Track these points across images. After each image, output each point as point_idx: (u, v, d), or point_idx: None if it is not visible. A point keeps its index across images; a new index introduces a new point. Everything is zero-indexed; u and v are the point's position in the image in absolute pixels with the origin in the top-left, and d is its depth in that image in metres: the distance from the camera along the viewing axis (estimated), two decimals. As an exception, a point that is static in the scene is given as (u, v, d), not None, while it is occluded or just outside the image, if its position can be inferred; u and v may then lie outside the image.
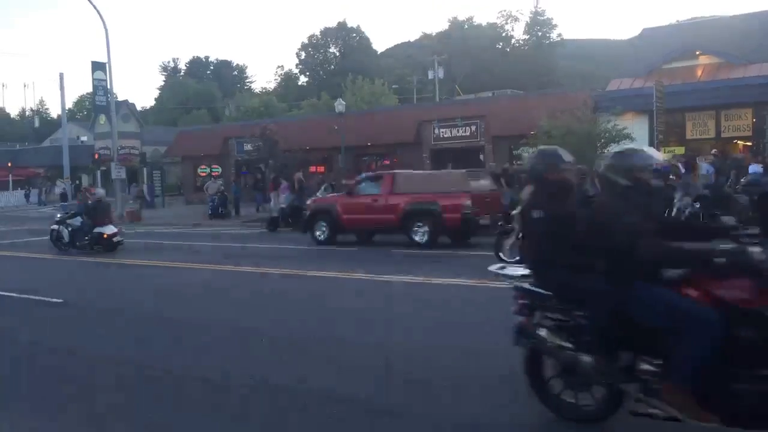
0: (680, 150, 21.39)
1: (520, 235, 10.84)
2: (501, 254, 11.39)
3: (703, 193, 14.98)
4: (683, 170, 17.25)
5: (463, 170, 17.33)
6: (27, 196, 49.04)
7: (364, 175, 18.42)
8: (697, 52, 22.94)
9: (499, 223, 12.82)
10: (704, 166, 17.45)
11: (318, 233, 16.36)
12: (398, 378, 5.44)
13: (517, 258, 10.98)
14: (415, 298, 9.05)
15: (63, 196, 34.30)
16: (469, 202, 14.23)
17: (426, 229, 14.62)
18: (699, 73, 22.54)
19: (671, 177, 16.34)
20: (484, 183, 16.40)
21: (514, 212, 12.35)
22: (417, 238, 14.72)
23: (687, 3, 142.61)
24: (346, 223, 15.98)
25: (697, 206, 14.58)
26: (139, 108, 73.99)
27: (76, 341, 7.31)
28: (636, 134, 19.28)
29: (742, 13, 26.98)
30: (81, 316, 8.76)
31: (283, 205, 21.58)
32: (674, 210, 14.46)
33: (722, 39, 22.97)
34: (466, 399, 4.89)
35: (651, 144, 19.97)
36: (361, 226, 15.97)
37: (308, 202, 18.02)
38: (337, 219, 15.98)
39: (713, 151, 19.30)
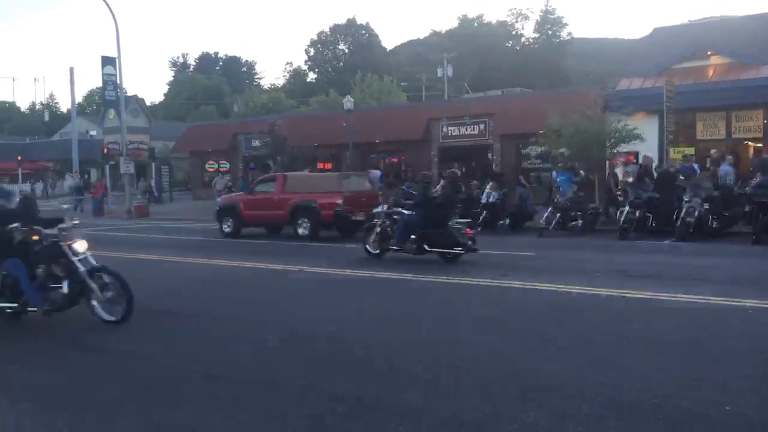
0: (690, 150, 21.24)
1: (378, 229, 12.22)
2: (367, 246, 12.84)
3: (713, 193, 14.90)
4: (698, 171, 17.14)
5: (339, 173, 20.82)
6: (32, 190, 49.19)
7: (260, 177, 20.98)
8: (709, 52, 22.73)
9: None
10: (723, 168, 17.33)
11: (225, 227, 18.38)
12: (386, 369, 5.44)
13: (378, 251, 12.44)
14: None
15: (78, 190, 34.57)
16: (341, 201, 16.45)
17: (308, 224, 16.81)
18: (710, 73, 22.36)
19: (680, 177, 16.24)
20: (361, 183, 18.81)
21: (376, 210, 13.45)
22: (301, 232, 16.95)
23: (698, 3, 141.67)
24: (247, 218, 18.11)
25: (707, 206, 14.51)
26: (148, 103, 74.15)
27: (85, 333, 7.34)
28: (646, 134, 19.16)
29: (754, 14, 26.79)
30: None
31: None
32: (683, 210, 14.39)
33: (734, 39, 22.76)
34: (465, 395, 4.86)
35: (660, 144, 19.87)
36: (259, 221, 18.28)
37: (220, 200, 20.28)
38: (240, 215, 18.11)
39: (713, 151, 19.16)
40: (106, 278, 7.39)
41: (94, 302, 7.41)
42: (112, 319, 7.37)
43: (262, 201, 17.88)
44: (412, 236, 11.86)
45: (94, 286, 7.32)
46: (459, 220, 11.96)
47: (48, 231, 7.49)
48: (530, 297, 8.63)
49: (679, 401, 4.58)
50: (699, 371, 5.29)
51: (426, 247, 11.75)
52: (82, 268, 7.29)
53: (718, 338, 6.25)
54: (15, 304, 7.49)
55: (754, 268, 10.67)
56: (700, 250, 12.86)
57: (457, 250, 11.49)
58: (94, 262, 7.50)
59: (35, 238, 7.42)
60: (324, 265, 11.88)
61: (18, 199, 8.18)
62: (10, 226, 7.39)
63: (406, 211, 12.18)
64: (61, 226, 7.47)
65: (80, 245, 7.41)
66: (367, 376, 5.44)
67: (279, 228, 18.40)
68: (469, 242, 11.62)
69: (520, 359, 5.75)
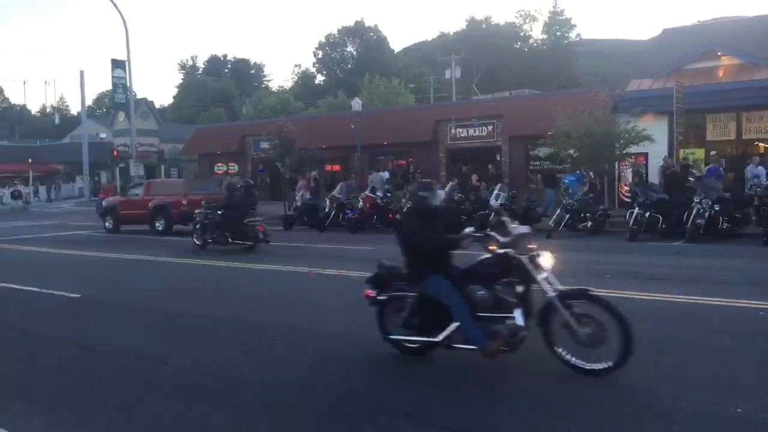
0: (700, 152, 21.13)
1: (198, 225, 15.76)
2: (194, 239, 15.86)
3: (723, 195, 14.80)
4: (722, 172, 17.01)
5: (185, 178, 26.63)
6: (36, 192, 49.48)
7: (134, 182, 25.39)
8: (719, 53, 22.60)
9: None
10: (750, 169, 17.20)
11: (107, 224, 22.05)
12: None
13: (201, 242, 15.51)
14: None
15: (95, 192, 35.04)
16: (185, 202, 19.49)
17: (162, 221, 20.25)
18: (720, 74, 22.22)
19: (690, 179, 16.14)
20: (209, 187, 21.74)
21: (197, 210, 16.10)
22: (158, 227, 20.30)
23: (708, 3, 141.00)
24: (123, 216, 21.69)
25: (717, 208, 14.42)
26: (157, 106, 74.53)
27: (92, 335, 7.37)
28: (655, 135, 19.08)
29: (765, 14, 26.57)
30: (97, 310, 8.85)
31: (299, 203, 21.65)
32: (694, 211, 14.30)
33: (744, 40, 22.62)
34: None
35: (670, 145, 19.77)
36: (131, 219, 21.48)
37: (104, 201, 23.25)
38: (119, 214, 21.78)
39: (712, 153, 19.04)
40: (579, 307, 5.18)
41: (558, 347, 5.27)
42: (596, 366, 5.11)
43: (134, 202, 21.54)
44: (219, 231, 15.10)
45: (570, 319, 5.14)
46: (253, 219, 15.23)
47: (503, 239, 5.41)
48: (538, 298, 8.58)
49: (690, 402, 4.56)
50: (710, 373, 5.26)
51: (229, 239, 14.99)
52: (551, 293, 5.23)
53: (728, 340, 6.20)
54: (430, 339, 5.58)
55: (765, 269, 10.58)
56: (710, 251, 12.78)
57: (249, 242, 14.88)
58: (558, 283, 5.37)
59: (492, 248, 5.39)
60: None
61: (442, 194, 6.08)
62: (465, 231, 5.62)
63: (218, 212, 15.20)
64: (519, 231, 5.46)
65: (546, 259, 5.32)
66: (369, 374, 5.43)
67: (172, 224, 20.47)
68: (261, 236, 14.93)
69: (527, 360, 5.71)
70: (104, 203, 23.13)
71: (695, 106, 19.43)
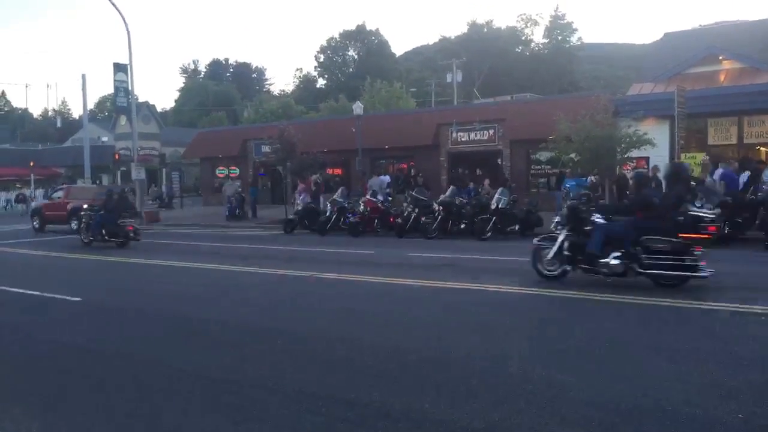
0: (701, 156, 21.09)
1: (84, 225, 18.97)
2: (82, 238, 18.39)
3: (725, 199, 14.75)
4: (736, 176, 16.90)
5: (98, 185, 31.08)
6: (33, 195, 49.40)
7: (58, 187, 28.70)
8: (720, 57, 22.60)
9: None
10: (766, 174, 17.11)
11: (34, 224, 25.49)
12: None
13: (87, 240, 18.02)
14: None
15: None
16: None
17: (77, 222, 21.54)
18: (722, 78, 22.23)
19: (692, 183, 16.09)
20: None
21: (81, 212, 19.68)
22: (74, 227, 22.24)
23: (710, 7, 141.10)
24: (47, 217, 25.22)
25: (718, 212, 14.35)
26: (159, 109, 74.62)
27: (93, 339, 7.36)
28: (657, 139, 19.05)
29: (766, 18, 26.56)
30: (99, 314, 8.85)
31: (299, 207, 21.65)
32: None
33: (745, 44, 22.64)
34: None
35: (672, 149, 19.75)
36: (53, 219, 24.98)
37: (33, 203, 26.92)
38: (44, 215, 25.37)
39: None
40: None
41: None
42: None
43: (56, 205, 25.00)
44: (98, 230, 17.57)
45: None
46: (125, 220, 17.47)
47: None
48: (539, 303, 8.58)
49: (691, 409, 4.53)
50: (711, 378, 5.23)
51: (105, 237, 17.48)
52: None
53: (730, 345, 6.17)
54: None
55: (766, 274, 10.56)
56: (712, 256, 12.72)
57: (120, 239, 17.38)
58: None
59: None
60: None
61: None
62: None
63: (100, 213, 17.72)
64: None
65: None
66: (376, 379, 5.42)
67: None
68: (131, 235, 17.44)
69: (529, 365, 5.70)
70: (33, 205, 26.85)
71: (697, 111, 19.41)
